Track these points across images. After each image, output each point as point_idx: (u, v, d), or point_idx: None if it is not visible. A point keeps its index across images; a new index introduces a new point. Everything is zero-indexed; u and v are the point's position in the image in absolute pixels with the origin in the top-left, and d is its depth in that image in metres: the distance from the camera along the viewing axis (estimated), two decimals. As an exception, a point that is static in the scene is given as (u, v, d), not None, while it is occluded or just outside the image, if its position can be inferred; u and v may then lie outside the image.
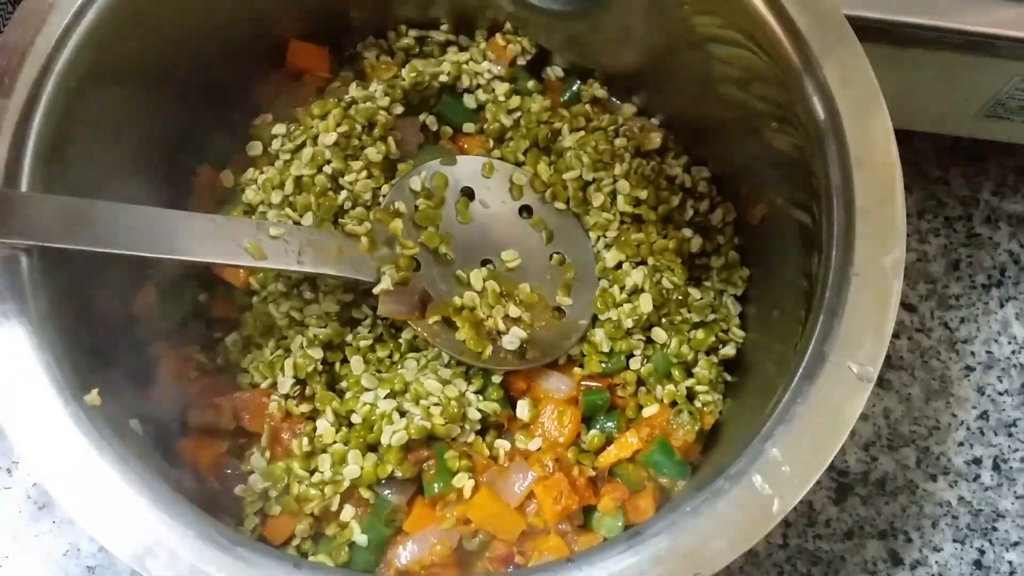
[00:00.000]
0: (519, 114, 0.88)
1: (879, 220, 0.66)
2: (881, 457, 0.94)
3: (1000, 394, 0.97)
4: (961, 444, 0.95)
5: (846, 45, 0.70)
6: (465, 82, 0.89)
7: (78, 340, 0.65)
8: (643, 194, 0.84)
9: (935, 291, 1.00)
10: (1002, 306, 1.00)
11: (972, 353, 0.98)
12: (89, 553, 0.86)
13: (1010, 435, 0.95)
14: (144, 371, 0.78)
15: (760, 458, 0.61)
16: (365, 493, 0.74)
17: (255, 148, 0.84)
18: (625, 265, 0.83)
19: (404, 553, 0.73)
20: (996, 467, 0.94)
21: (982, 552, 0.91)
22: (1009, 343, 0.99)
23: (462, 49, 0.91)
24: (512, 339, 0.79)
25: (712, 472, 0.63)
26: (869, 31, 0.72)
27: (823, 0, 0.71)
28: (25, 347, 0.60)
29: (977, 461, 0.94)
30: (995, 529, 0.92)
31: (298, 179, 0.81)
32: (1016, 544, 0.92)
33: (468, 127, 0.89)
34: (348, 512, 0.74)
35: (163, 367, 0.78)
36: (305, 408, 0.77)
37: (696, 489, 0.62)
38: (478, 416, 0.76)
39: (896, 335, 0.98)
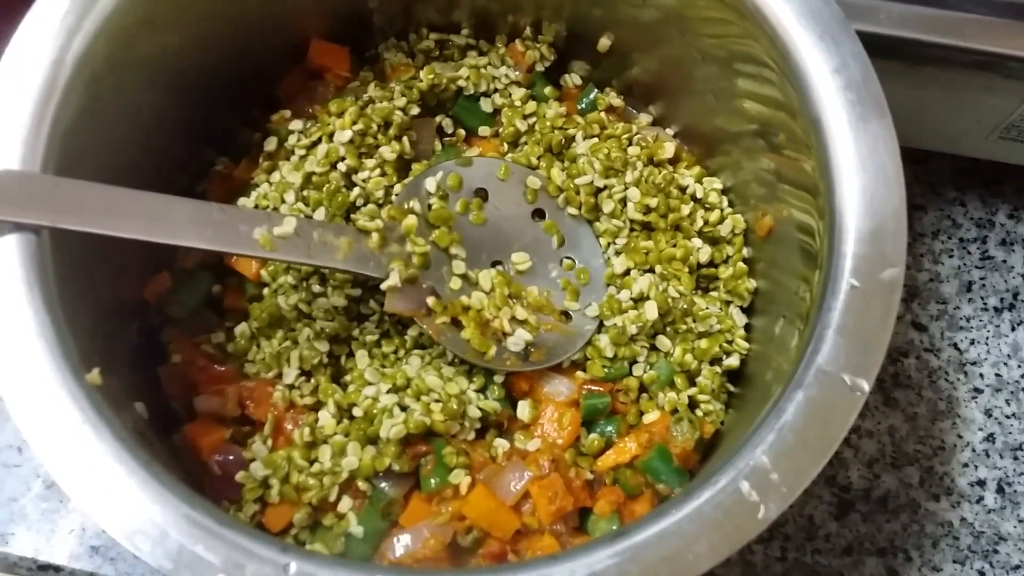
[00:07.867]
0: (534, 119, 0.89)
1: (880, 235, 0.66)
2: (884, 475, 0.93)
3: (1007, 417, 0.96)
4: (966, 465, 0.94)
5: (855, 60, 0.69)
6: (482, 86, 0.90)
7: (86, 321, 0.66)
8: (653, 202, 0.84)
9: (946, 311, 1.00)
10: (1013, 329, 1.00)
11: (981, 375, 0.98)
12: (94, 533, 0.87)
13: (1015, 458, 0.95)
14: (153, 355, 0.79)
15: (749, 465, 0.61)
16: (363, 485, 0.74)
17: (271, 143, 0.86)
18: (633, 272, 0.84)
19: (398, 546, 0.74)
20: (1000, 490, 0.94)
21: (982, 574, 0.91)
22: (1019, 366, 0.98)
23: (482, 53, 0.93)
24: (517, 341, 0.79)
25: (702, 477, 0.64)
26: (880, 47, 0.72)
27: (833, 13, 0.71)
28: (30, 325, 0.60)
29: (981, 483, 0.94)
30: (996, 552, 0.92)
31: (312, 175, 0.82)
32: (1017, 568, 0.91)
33: (483, 130, 0.90)
34: (346, 503, 0.75)
35: (172, 353, 0.79)
36: (309, 399, 0.78)
37: (685, 493, 0.62)
38: (478, 414, 0.77)
39: (905, 354, 0.98)
